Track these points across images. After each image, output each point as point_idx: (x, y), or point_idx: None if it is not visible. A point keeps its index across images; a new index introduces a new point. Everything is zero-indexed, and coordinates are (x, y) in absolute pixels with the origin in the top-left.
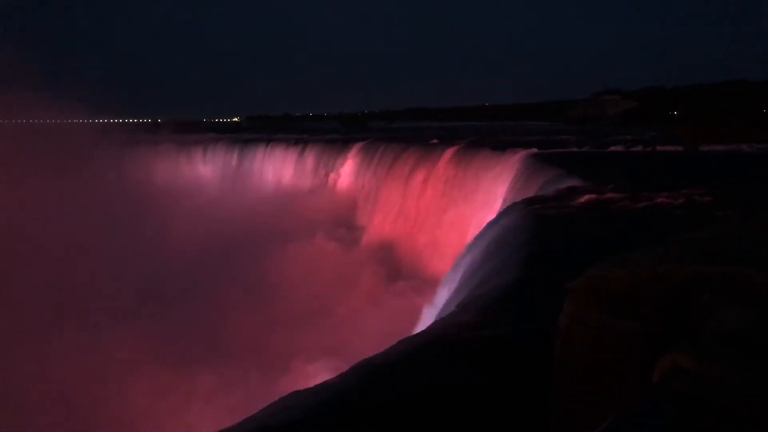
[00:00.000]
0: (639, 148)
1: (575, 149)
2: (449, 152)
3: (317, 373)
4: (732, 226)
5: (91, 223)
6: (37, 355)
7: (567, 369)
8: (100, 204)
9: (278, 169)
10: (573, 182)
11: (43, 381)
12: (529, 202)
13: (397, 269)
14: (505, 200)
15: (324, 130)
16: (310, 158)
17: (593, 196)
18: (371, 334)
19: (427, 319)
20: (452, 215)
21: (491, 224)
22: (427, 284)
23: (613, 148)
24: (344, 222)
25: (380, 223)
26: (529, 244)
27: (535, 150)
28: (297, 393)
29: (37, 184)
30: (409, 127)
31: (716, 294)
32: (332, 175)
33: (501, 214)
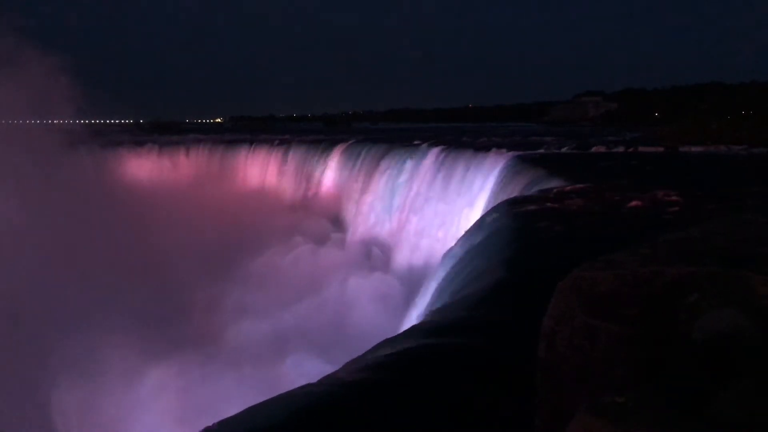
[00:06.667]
0: (621, 148)
1: (558, 150)
2: (433, 153)
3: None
4: (718, 226)
5: (67, 225)
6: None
7: (551, 371)
8: (77, 205)
9: (262, 169)
10: (556, 183)
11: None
12: (513, 202)
13: (382, 269)
14: (489, 201)
15: (308, 130)
16: (294, 159)
17: (577, 196)
18: (357, 335)
19: (411, 319)
20: (436, 216)
21: (475, 225)
22: (412, 284)
23: (595, 148)
24: (328, 222)
25: (365, 224)
26: (513, 245)
27: (518, 151)
28: (281, 395)
29: (14, 186)
30: (392, 128)
31: (704, 295)
32: (316, 176)
33: (485, 215)
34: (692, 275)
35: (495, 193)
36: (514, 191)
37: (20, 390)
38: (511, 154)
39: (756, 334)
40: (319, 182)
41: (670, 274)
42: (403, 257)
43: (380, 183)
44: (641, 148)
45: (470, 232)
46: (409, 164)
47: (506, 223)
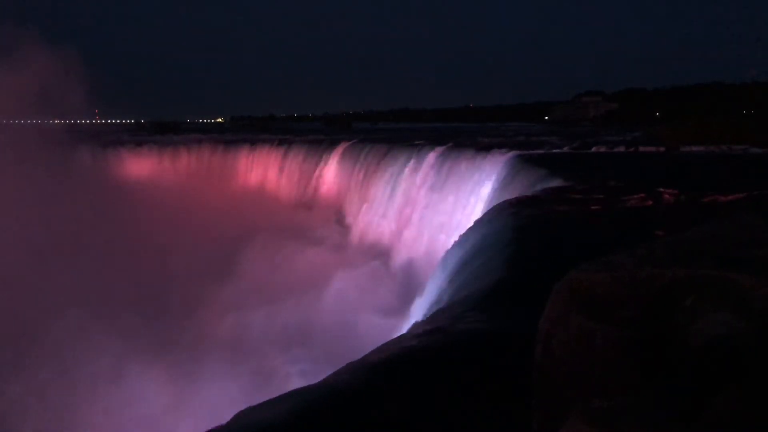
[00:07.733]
0: (621, 148)
1: (558, 150)
2: (434, 153)
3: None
4: (716, 227)
5: (65, 224)
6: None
7: (547, 374)
8: (75, 204)
9: (262, 170)
10: (557, 183)
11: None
12: (513, 202)
13: (382, 270)
14: (489, 201)
15: (308, 130)
16: (294, 159)
17: (577, 196)
18: (356, 336)
19: (412, 319)
20: (437, 216)
21: (476, 225)
22: (412, 284)
23: (595, 149)
24: (329, 223)
25: (366, 224)
26: (513, 245)
27: (519, 151)
28: (281, 396)
29: (13, 185)
30: (393, 128)
31: (701, 298)
32: (317, 176)
33: (486, 215)
34: (689, 277)
35: (496, 193)
36: (514, 191)
37: None
38: (511, 154)
39: (751, 338)
40: (320, 182)
41: (667, 276)
42: (403, 257)
43: (380, 183)
44: (642, 148)
45: (471, 232)
46: (409, 164)
47: (506, 223)
